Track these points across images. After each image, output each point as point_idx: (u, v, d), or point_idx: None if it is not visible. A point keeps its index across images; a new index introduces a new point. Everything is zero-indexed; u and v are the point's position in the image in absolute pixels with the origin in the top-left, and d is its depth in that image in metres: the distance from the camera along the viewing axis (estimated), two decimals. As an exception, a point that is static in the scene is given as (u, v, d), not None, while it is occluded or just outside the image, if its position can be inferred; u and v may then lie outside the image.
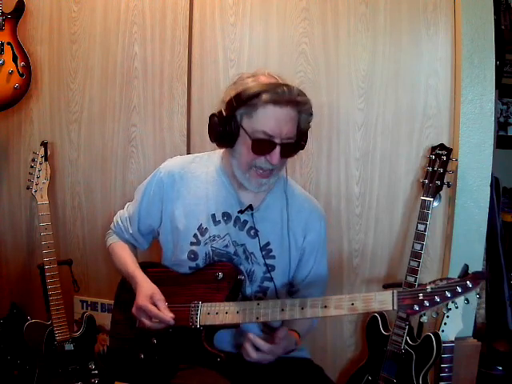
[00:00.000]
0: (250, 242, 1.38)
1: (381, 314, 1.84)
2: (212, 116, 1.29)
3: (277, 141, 1.24)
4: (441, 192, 1.76)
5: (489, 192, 1.85)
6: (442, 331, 1.70)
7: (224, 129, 1.25)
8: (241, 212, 1.37)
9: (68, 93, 2.07)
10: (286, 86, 1.22)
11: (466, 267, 1.10)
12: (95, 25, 2.02)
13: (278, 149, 1.25)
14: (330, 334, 2.00)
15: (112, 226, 1.59)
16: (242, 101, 1.21)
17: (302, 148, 1.32)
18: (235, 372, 1.31)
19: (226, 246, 1.38)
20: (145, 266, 1.45)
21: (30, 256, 2.17)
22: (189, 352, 1.31)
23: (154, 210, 1.45)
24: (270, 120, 1.22)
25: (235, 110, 1.24)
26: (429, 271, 1.90)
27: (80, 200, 2.12)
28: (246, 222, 1.38)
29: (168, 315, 1.27)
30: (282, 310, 1.21)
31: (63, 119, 2.09)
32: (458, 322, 1.70)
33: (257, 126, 1.23)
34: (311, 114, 1.30)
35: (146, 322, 1.30)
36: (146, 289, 1.34)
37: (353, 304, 1.15)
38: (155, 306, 1.29)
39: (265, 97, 1.20)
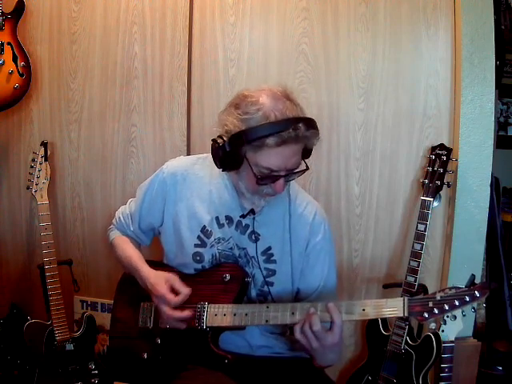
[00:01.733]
0: (251, 246, 1.36)
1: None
2: (214, 141, 1.25)
3: (281, 174, 1.23)
4: (441, 192, 1.76)
5: (489, 192, 1.84)
6: (442, 331, 1.70)
7: (227, 158, 1.23)
8: (243, 216, 1.36)
9: (68, 93, 2.07)
10: (294, 125, 1.16)
11: (473, 277, 1.14)
12: (95, 25, 2.02)
13: (282, 180, 1.24)
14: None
15: (114, 221, 1.58)
16: (247, 140, 1.18)
17: (306, 169, 1.29)
18: (240, 372, 1.31)
19: (231, 248, 1.37)
20: (149, 265, 1.43)
21: (30, 256, 2.17)
22: (194, 353, 1.31)
23: (156, 209, 1.44)
24: (274, 159, 1.20)
25: (239, 146, 1.20)
26: (429, 271, 1.90)
27: (80, 200, 2.12)
28: (247, 226, 1.37)
29: (186, 290, 1.27)
30: (293, 313, 1.21)
31: (63, 119, 2.09)
32: (458, 322, 1.70)
33: (261, 163, 1.20)
34: (318, 139, 1.26)
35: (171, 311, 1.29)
36: (156, 277, 1.33)
37: (364, 310, 1.16)
38: (173, 289, 1.29)
39: (270, 142, 1.16)
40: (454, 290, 1.12)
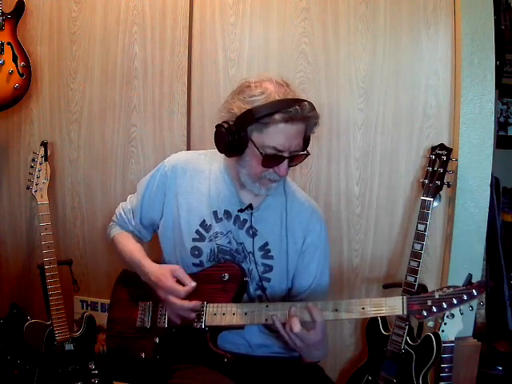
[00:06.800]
0: (249, 241, 1.38)
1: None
2: (219, 126, 1.28)
3: (285, 154, 1.26)
4: (441, 192, 1.76)
5: (489, 192, 1.84)
6: (442, 331, 1.70)
7: (233, 141, 1.25)
8: (241, 211, 1.37)
9: (68, 93, 2.07)
10: (299, 103, 1.22)
11: (470, 276, 1.16)
12: (95, 25, 2.02)
13: (286, 162, 1.27)
14: (330, 334, 1.97)
15: (114, 218, 1.59)
16: (253, 118, 1.21)
17: (308, 155, 1.33)
18: (239, 372, 1.31)
19: (229, 242, 1.39)
20: None
21: (30, 256, 2.17)
22: (192, 352, 1.31)
23: (156, 203, 1.45)
24: (280, 137, 1.23)
25: (246, 126, 1.23)
26: (429, 271, 1.90)
27: (80, 200, 2.12)
28: (245, 220, 1.38)
29: (192, 281, 1.29)
30: None
31: (63, 119, 2.09)
32: (458, 322, 1.70)
33: (267, 142, 1.24)
34: (317, 124, 1.31)
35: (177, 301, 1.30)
36: (161, 269, 1.35)
37: (363, 308, 1.18)
38: (178, 280, 1.31)
39: (278, 117, 1.20)
40: (451, 289, 1.14)
